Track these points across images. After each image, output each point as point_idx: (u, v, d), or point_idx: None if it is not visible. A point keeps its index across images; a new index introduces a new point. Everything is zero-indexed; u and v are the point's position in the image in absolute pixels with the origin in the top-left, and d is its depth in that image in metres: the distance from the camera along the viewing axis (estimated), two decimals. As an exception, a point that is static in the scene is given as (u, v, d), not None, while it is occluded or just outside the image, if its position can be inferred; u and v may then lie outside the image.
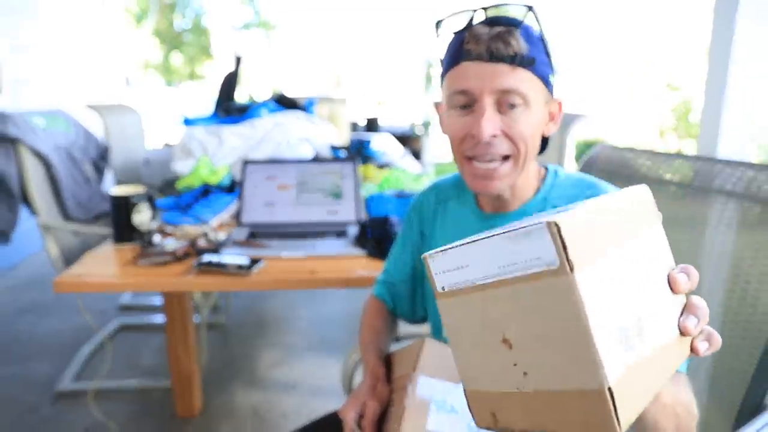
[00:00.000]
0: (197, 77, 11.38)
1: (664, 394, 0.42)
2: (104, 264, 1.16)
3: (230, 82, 2.50)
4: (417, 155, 3.84)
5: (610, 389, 0.29)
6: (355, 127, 4.03)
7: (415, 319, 0.87)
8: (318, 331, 2.17)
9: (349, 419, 0.68)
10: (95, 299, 2.35)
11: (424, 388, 0.62)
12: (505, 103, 0.59)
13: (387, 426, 0.67)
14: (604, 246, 0.32)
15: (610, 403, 0.29)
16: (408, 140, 4.06)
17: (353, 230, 1.34)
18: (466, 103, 0.61)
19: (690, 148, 4.09)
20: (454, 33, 0.61)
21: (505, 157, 0.62)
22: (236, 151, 1.87)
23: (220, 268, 1.08)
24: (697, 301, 0.39)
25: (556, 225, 0.28)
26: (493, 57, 0.57)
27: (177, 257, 1.14)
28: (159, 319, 2.18)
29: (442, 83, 0.65)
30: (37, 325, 2.21)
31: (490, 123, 0.58)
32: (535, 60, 0.58)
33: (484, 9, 0.59)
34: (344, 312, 2.32)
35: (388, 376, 0.72)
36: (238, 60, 2.57)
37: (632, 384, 0.31)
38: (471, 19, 0.60)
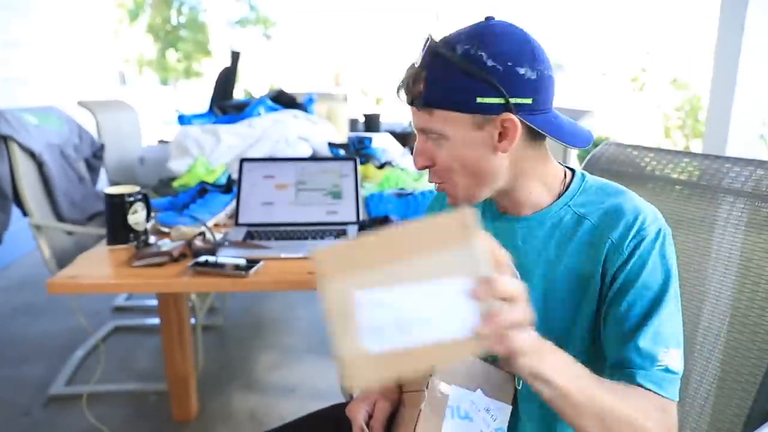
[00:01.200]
0: (193, 74, 11.31)
1: (557, 381, 0.50)
2: (98, 265, 1.14)
3: (227, 79, 2.47)
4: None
5: (346, 359, 0.45)
6: (354, 124, 4.00)
7: None
8: (317, 332, 2.14)
9: (359, 418, 0.67)
10: (89, 300, 2.32)
11: (439, 394, 0.63)
12: (428, 135, 0.64)
13: (397, 428, 0.67)
14: (369, 265, 0.44)
15: (345, 369, 0.45)
16: (408, 138, 4.04)
17: (353, 230, 1.32)
18: None
19: (699, 148, 4.09)
20: None
21: (444, 182, 0.66)
22: (233, 149, 1.84)
23: (217, 269, 1.06)
24: (495, 309, 0.44)
25: (321, 252, 0.45)
26: (407, 101, 0.64)
27: (173, 258, 1.12)
28: (154, 320, 2.16)
29: None
30: (30, 327, 2.18)
31: (418, 157, 0.66)
32: (433, 99, 0.60)
33: (424, 43, 0.62)
34: (343, 312, 2.30)
35: None
36: (235, 56, 2.54)
37: (376, 363, 0.45)
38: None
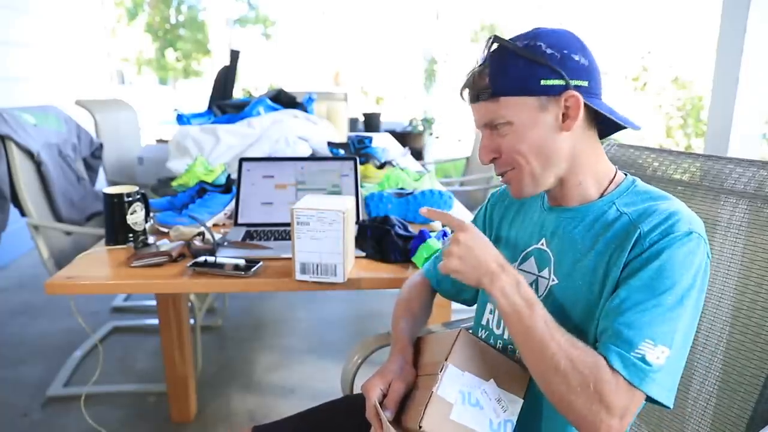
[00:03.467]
0: (192, 73, 11.29)
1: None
2: (97, 265, 1.13)
3: (226, 78, 2.46)
4: (418, 153, 3.81)
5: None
6: (354, 124, 4.00)
7: (458, 299, 0.88)
8: (317, 333, 2.14)
9: (373, 396, 0.69)
10: (88, 301, 2.31)
11: (453, 379, 0.65)
12: (493, 127, 0.69)
13: (408, 409, 0.69)
14: None
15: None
16: (408, 138, 4.03)
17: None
18: None
19: (701, 147, 4.08)
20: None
21: (512, 168, 0.70)
22: (233, 149, 1.84)
23: (216, 269, 1.06)
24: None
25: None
26: (471, 99, 0.70)
27: (172, 258, 1.11)
28: (153, 321, 2.15)
29: None
30: (28, 328, 2.17)
31: (484, 151, 0.71)
32: (500, 88, 0.66)
33: (486, 45, 0.68)
34: (344, 314, 2.30)
35: (415, 359, 0.75)
36: (235, 55, 2.53)
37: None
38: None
